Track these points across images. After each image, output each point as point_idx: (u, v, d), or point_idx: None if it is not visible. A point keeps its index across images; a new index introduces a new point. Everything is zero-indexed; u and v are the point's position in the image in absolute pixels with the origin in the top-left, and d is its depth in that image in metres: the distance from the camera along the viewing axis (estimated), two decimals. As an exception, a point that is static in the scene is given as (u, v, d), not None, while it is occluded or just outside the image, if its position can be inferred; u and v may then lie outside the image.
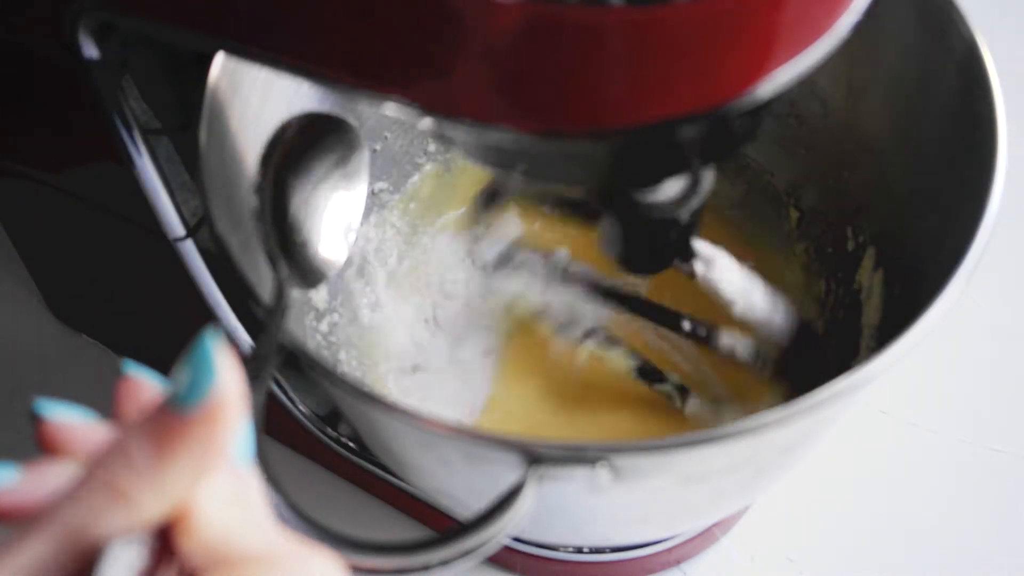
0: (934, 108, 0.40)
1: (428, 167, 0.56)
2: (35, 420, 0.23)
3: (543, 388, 0.51)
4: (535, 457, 0.29)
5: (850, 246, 0.47)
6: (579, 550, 0.47)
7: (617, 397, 0.50)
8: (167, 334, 0.53)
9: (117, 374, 0.24)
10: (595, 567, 0.48)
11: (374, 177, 0.53)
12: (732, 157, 0.54)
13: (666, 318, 0.49)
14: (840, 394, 0.30)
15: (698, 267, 0.40)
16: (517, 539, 0.47)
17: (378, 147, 0.52)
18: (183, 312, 0.46)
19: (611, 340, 0.51)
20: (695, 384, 0.50)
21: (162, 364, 0.62)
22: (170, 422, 0.20)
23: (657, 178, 0.32)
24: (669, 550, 0.48)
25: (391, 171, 0.54)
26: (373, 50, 0.26)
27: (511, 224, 0.51)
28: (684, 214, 0.33)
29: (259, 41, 0.29)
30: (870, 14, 0.26)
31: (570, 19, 0.23)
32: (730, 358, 0.46)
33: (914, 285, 0.40)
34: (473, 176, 0.57)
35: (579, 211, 0.41)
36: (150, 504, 0.20)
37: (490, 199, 0.44)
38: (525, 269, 0.49)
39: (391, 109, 0.28)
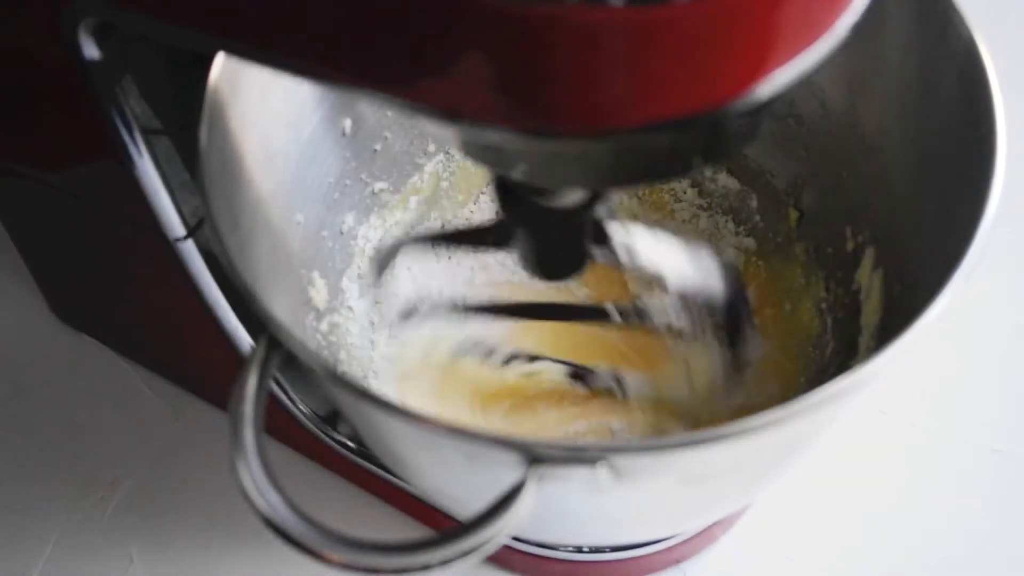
0: (934, 108, 0.40)
1: (428, 167, 0.56)
2: None
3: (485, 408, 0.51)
4: (535, 457, 0.29)
5: (850, 246, 0.47)
6: (579, 550, 0.47)
7: (561, 404, 0.51)
8: (167, 334, 0.53)
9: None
10: (595, 567, 0.48)
11: (374, 177, 0.53)
12: (732, 157, 0.55)
13: (590, 314, 0.49)
14: (840, 394, 0.30)
15: (621, 255, 0.39)
16: (517, 539, 0.47)
17: (378, 147, 0.52)
18: (183, 312, 0.46)
19: (532, 357, 0.51)
20: (629, 363, 0.50)
21: (163, 364, 0.62)
22: None
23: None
24: (669, 549, 0.48)
25: (391, 171, 0.54)
26: (373, 50, 0.26)
27: (403, 282, 0.53)
28: (596, 212, 0.33)
29: (259, 41, 0.29)
30: (870, 14, 0.26)
31: (569, 19, 0.23)
32: (669, 330, 0.46)
33: (914, 285, 0.40)
34: (473, 176, 0.57)
35: (483, 241, 0.40)
36: None
37: (386, 258, 0.44)
38: (431, 316, 0.49)
39: (391, 109, 0.28)
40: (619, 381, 0.50)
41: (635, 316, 0.46)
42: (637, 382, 0.50)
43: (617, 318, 0.47)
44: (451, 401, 0.51)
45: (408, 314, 0.49)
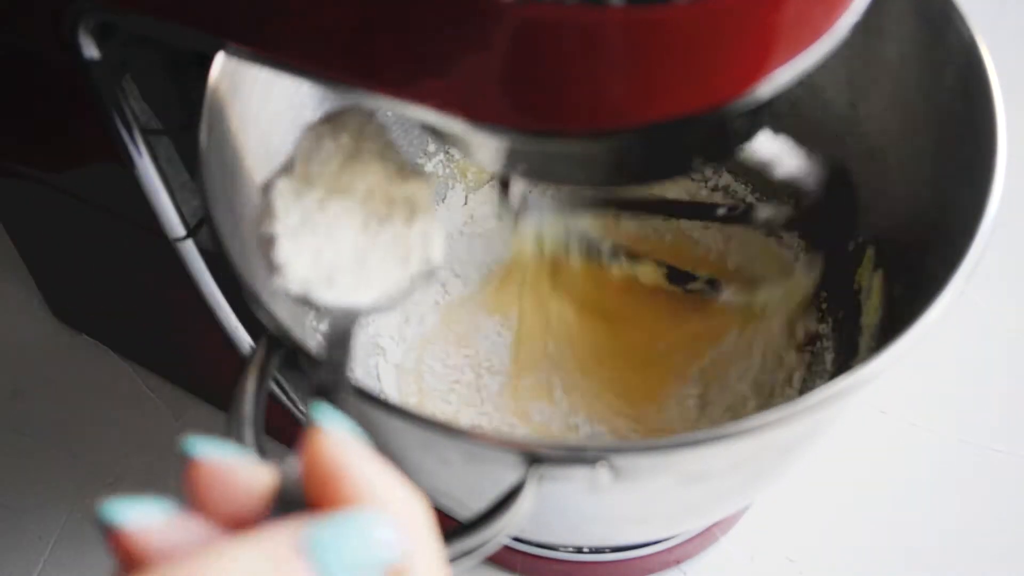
0: (934, 108, 0.40)
1: (428, 167, 0.56)
2: (105, 528, 0.19)
3: (579, 313, 0.52)
4: (535, 457, 0.29)
5: (850, 246, 0.47)
6: (579, 550, 0.47)
7: (655, 306, 0.52)
8: (167, 334, 0.53)
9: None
10: (595, 567, 0.48)
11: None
12: (733, 157, 0.54)
13: (697, 210, 0.50)
14: (840, 394, 0.30)
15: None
16: (517, 539, 0.47)
17: (378, 147, 0.52)
18: (183, 312, 0.46)
19: (632, 255, 0.52)
20: (723, 274, 0.52)
21: (163, 364, 0.62)
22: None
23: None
24: (669, 550, 0.48)
25: (391, 171, 0.54)
26: (373, 50, 0.26)
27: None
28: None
29: (259, 41, 0.29)
30: (870, 14, 0.26)
31: (570, 19, 0.23)
32: (767, 229, 0.47)
33: (914, 285, 0.40)
34: (472, 176, 0.57)
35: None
36: None
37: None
38: (536, 207, 0.49)
39: (393, 109, 0.28)
40: (713, 284, 0.51)
41: (741, 212, 0.47)
42: (730, 292, 0.51)
43: (722, 212, 0.48)
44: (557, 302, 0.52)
45: (524, 203, 0.49)
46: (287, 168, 0.30)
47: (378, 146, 0.31)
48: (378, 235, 0.30)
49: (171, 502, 0.20)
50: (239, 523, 0.20)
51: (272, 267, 0.29)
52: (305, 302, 0.29)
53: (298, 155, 0.30)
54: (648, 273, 0.52)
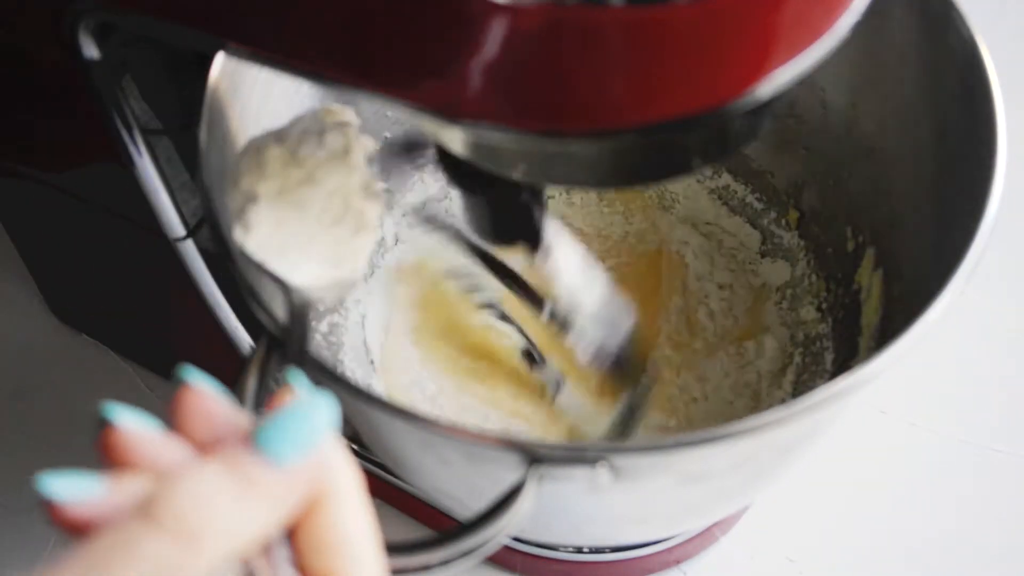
0: (934, 108, 0.40)
1: (428, 167, 0.56)
2: (102, 425, 0.21)
3: (444, 351, 0.52)
4: (535, 457, 0.29)
5: (850, 246, 0.47)
6: (579, 550, 0.47)
7: (504, 373, 0.51)
8: (167, 334, 0.53)
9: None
10: (595, 567, 0.48)
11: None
12: (732, 157, 0.55)
13: (529, 295, 0.48)
14: (840, 394, 0.30)
15: (537, 256, 0.40)
16: (517, 539, 0.47)
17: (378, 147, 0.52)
18: (183, 312, 0.46)
19: (505, 317, 0.51)
20: (576, 376, 0.50)
21: (163, 364, 0.62)
22: (259, 469, 0.20)
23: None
24: (669, 550, 0.48)
25: (391, 171, 0.54)
26: (374, 50, 0.26)
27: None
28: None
29: (259, 41, 0.29)
30: (870, 14, 0.26)
31: (570, 19, 0.23)
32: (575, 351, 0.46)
33: (914, 285, 0.40)
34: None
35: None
36: (214, 547, 0.19)
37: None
38: (441, 229, 0.49)
39: (391, 109, 0.28)
40: (558, 386, 0.50)
41: (560, 323, 0.46)
42: (570, 399, 0.50)
43: (544, 315, 0.47)
44: (428, 321, 0.53)
45: (428, 218, 0.50)
46: (280, 137, 0.32)
47: (361, 158, 0.33)
48: (327, 231, 0.32)
49: (159, 422, 0.22)
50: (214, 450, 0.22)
51: (243, 223, 0.31)
52: (256, 263, 0.32)
53: (295, 131, 0.32)
54: (510, 338, 0.51)
